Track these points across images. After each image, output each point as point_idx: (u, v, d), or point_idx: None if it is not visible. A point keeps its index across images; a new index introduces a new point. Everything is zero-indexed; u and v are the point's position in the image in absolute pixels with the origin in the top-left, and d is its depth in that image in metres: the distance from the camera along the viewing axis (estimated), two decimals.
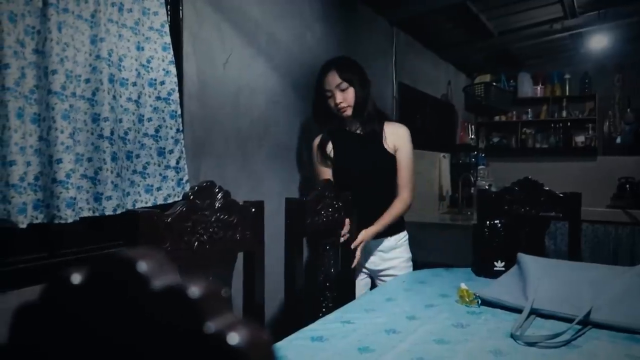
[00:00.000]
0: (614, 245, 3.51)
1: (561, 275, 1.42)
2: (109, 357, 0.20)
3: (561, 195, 2.07)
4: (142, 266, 0.20)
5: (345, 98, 1.96)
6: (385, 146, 2.01)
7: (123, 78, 1.57)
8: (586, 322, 1.22)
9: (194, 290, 0.19)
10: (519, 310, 1.31)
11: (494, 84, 4.34)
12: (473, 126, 5.39)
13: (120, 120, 1.56)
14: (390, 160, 2.02)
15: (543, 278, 1.41)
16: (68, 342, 0.21)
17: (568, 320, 1.22)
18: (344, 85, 1.96)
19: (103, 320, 0.20)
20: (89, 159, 1.46)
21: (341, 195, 1.82)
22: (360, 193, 1.96)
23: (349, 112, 1.98)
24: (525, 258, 1.57)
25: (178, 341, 0.19)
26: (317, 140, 2.11)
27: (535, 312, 1.31)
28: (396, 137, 2.03)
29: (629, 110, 4.83)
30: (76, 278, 0.22)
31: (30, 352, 0.22)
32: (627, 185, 4.54)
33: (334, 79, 1.96)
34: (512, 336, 1.15)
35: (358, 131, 2.06)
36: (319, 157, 2.10)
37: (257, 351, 0.18)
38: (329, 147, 2.08)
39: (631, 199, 4.35)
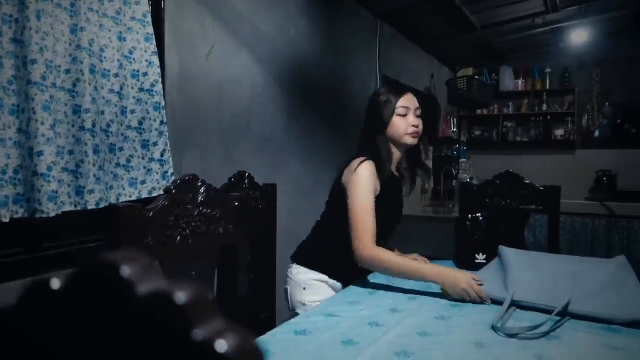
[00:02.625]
0: (591, 237, 3.59)
1: (541, 268, 1.45)
2: None
3: (541, 188, 2.11)
4: (126, 271, 0.20)
5: (419, 124, 1.70)
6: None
7: (105, 69, 1.55)
8: (565, 314, 1.25)
9: (181, 296, 0.19)
10: (500, 303, 1.34)
11: (477, 77, 4.38)
12: (455, 119, 5.43)
13: (103, 112, 1.54)
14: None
15: (523, 270, 1.44)
16: (51, 347, 0.21)
17: (548, 311, 1.25)
18: (420, 112, 1.72)
19: (87, 327, 0.20)
20: (70, 152, 1.44)
21: (257, 186, 1.90)
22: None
23: (416, 139, 1.70)
24: (506, 251, 1.59)
25: (165, 348, 0.19)
26: (372, 167, 1.62)
27: (515, 304, 1.33)
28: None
29: (607, 104, 4.91)
30: (56, 283, 0.21)
31: (10, 355, 0.22)
32: (605, 179, 4.64)
33: (414, 101, 1.71)
34: (494, 328, 1.18)
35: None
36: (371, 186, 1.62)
37: (246, 358, 0.18)
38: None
39: (608, 192, 4.44)
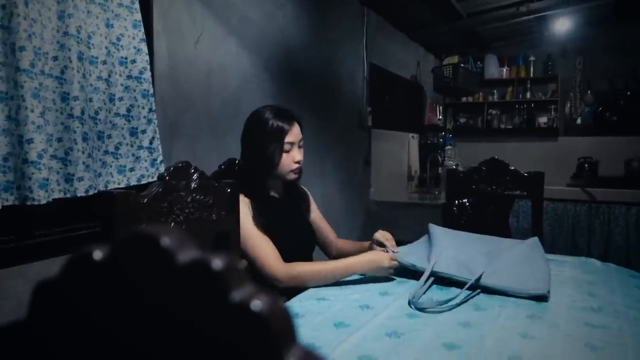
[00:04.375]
0: (573, 222, 3.68)
1: (462, 246, 1.56)
2: (136, 331, 0.22)
3: (525, 174, 2.15)
4: (166, 241, 0.22)
5: (301, 159, 1.60)
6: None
7: (92, 56, 1.54)
8: (477, 287, 1.35)
9: (217, 263, 0.21)
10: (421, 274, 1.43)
11: (462, 65, 4.41)
12: (441, 107, 5.48)
13: (91, 100, 1.53)
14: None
15: (446, 247, 1.54)
16: (93, 319, 0.23)
17: (463, 283, 1.35)
18: (302, 143, 1.61)
19: (130, 294, 0.22)
20: (59, 139, 1.43)
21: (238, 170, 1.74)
22: None
23: (298, 174, 1.62)
24: (434, 229, 1.68)
25: (205, 310, 0.21)
26: (243, 198, 1.53)
27: (434, 275, 1.43)
28: None
29: (589, 92, 4.99)
30: (99, 254, 0.23)
31: (56, 327, 0.24)
32: (586, 165, 4.73)
33: (298, 132, 1.59)
34: (409, 303, 1.25)
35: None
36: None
37: (277, 317, 0.20)
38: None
39: (589, 178, 4.54)
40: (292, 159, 1.57)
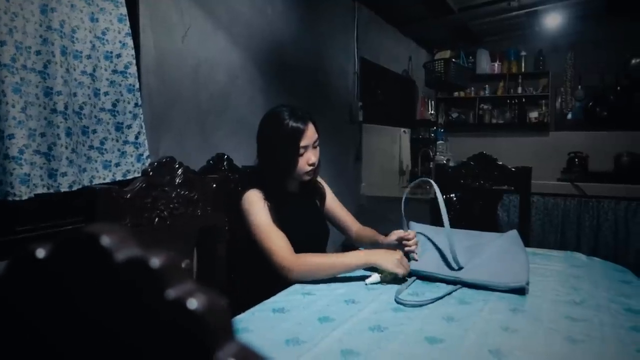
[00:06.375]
0: (562, 216, 3.70)
1: (443, 242, 1.55)
2: (74, 330, 0.22)
3: (513, 169, 2.16)
4: (105, 240, 0.22)
5: (316, 160, 1.59)
6: None
7: (76, 50, 1.52)
8: (457, 282, 1.38)
9: (155, 261, 0.21)
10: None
11: (454, 60, 4.41)
12: (433, 102, 5.48)
13: (75, 94, 1.52)
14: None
15: (427, 244, 1.56)
16: (32, 317, 0.23)
17: (444, 280, 1.39)
18: (317, 142, 1.60)
19: (70, 291, 0.22)
20: (42, 134, 1.42)
21: (236, 168, 1.85)
22: None
23: (312, 174, 1.62)
24: (415, 227, 1.71)
25: (141, 308, 0.20)
26: (257, 192, 1.54)
27: (416, 274, 1.46)
28: None
29: (579, 87, 5.01)
30: (40, 253, 0.23)
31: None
32: (576, 160, 4.76)
33: (313, 134, 1.57)
34: (396, 300, 1.26)
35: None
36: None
37: (214, 315, 0.20)
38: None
39: (579, 172, 4.57)
40: (306, 160, 1.56)
